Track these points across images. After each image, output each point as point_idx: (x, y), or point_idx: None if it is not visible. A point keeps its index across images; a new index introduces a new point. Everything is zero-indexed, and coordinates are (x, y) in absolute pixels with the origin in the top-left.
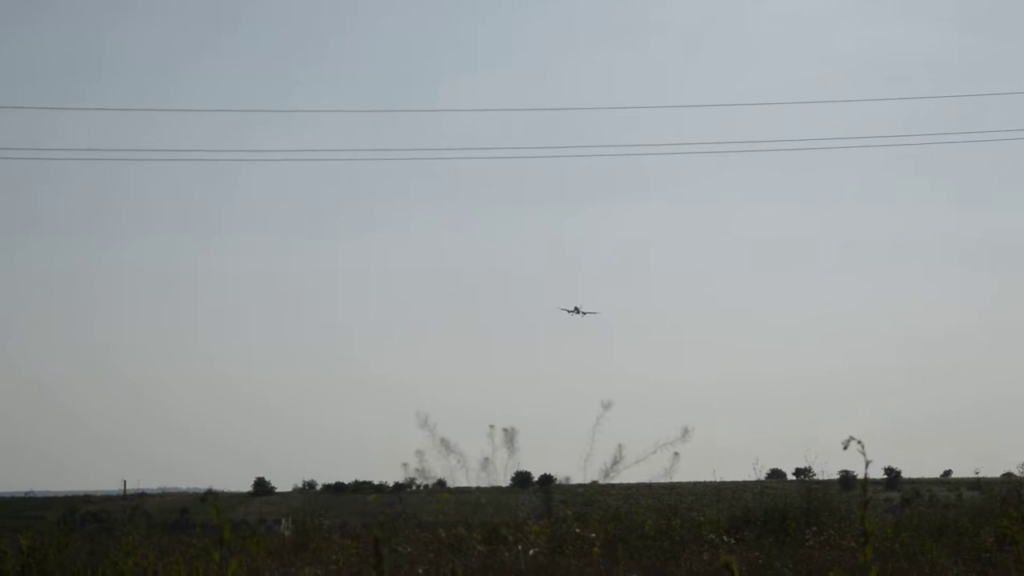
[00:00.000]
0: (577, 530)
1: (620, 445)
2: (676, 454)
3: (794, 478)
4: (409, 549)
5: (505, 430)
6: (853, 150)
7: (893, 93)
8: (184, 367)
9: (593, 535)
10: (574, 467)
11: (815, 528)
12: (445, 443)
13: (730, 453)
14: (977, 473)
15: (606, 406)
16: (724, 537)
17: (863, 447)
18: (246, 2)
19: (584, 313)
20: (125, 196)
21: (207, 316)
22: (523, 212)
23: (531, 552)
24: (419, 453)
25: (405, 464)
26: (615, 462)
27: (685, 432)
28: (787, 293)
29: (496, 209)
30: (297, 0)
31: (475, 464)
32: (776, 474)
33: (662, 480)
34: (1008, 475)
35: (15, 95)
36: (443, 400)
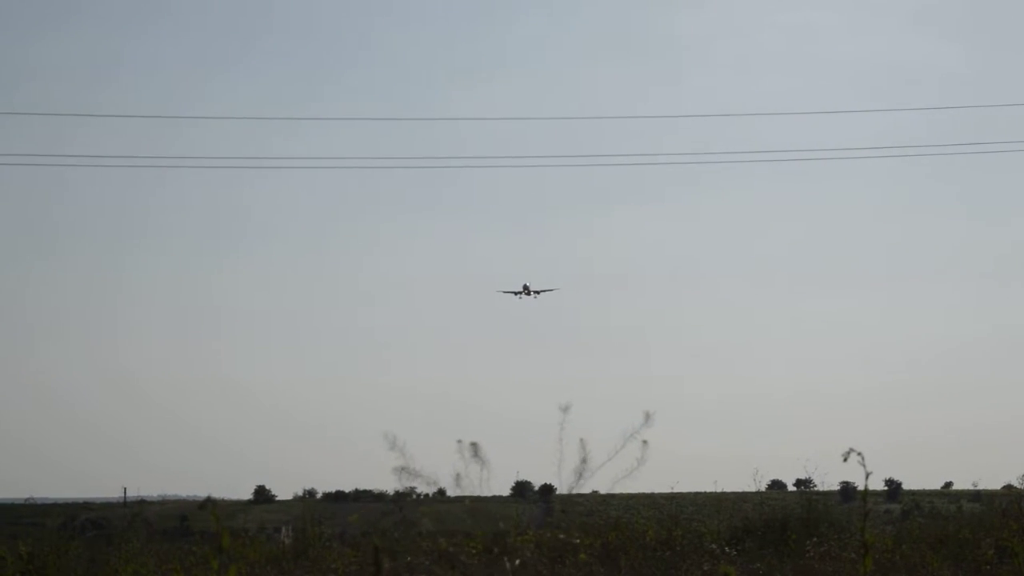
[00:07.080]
0: (576, 540)
1: (581, 439)
2: (644, 442)
3: (795, 489)
4: (408, 558)
5: (472, 444)
6: (862, 161)
7: (902, 104)
8: (185, 374)
9: (577, 540)
10: (549, 473)
11: (815, 539)
12: (408, 471)
13: (730, 464)
14: (976, 485)
15: (564, 409)
16: (725, 548)
17: (863, 459)
18: (262, 12)
19: (536, 293)
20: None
21: (208, 323)
22: (531, 221)
23: (525, 563)
24: (397, 470)
25: (399, 468)
26: (582, 461)
27: (647, 417)
28: (792, 305)
29: (505, 218)
30: (309, 8)
31: (446, 482)
32: (777, 485)
33: (632, 474)
34: (1008, 487)
35: (34, 101)
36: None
